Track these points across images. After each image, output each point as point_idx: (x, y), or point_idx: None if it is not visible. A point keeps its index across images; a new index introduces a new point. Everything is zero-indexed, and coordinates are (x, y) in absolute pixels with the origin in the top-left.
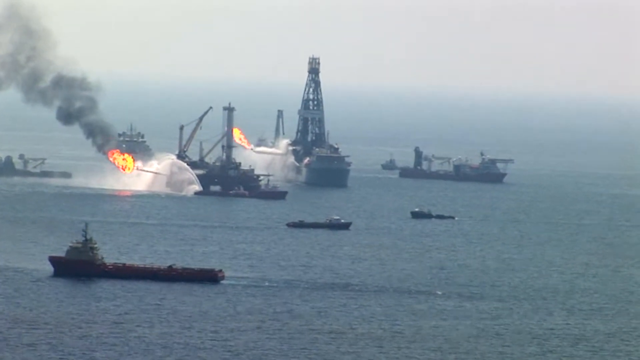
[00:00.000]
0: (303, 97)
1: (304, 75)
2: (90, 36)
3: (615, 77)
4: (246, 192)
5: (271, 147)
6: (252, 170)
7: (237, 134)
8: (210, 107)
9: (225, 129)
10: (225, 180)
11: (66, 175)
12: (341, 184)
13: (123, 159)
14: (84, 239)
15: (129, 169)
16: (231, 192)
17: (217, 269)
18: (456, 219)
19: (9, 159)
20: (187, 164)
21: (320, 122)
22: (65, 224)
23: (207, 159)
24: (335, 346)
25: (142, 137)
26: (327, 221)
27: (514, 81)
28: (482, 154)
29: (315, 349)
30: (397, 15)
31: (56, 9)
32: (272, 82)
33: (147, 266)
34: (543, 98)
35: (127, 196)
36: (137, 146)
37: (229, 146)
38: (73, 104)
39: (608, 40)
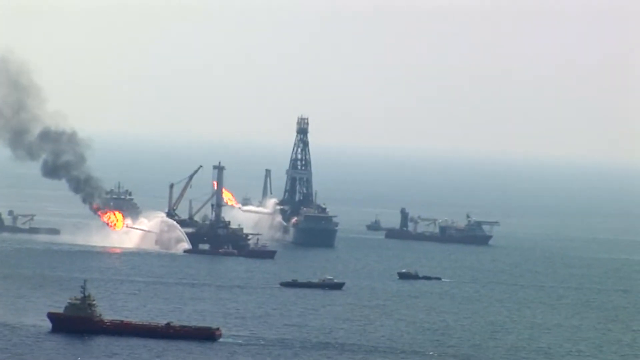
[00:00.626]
0: (291, 156)
1: (292, 135)
2: (79, 93)
3: (602, 140)
4: (235, 251)
5: (257, 206)
6: (241, 229)
7: (224, 193)
8: (201, 166)
9: (214, 187)
10: (214, 238)
11: (54, 231)
12: (328, 244)
13: (112, 216)
14: (82, 295)
15: (118, 226)
16: (220, 250)
17: (214, 327)
18: (443, 280)
19: None
20: (177, 222)
21: (308, 182)
22: (58, 281)
23: (196, 218)
24: None
25: (130, 194)
26: (320, 281)
27: (503, 144)
28: (468, 216)
29: None
30: (383, 74)
31: (45, 65)
32: (260, 141)
33: (144, 323)
34: (529, 162)
35: (117, 253)
36: (124, 204)
37: (218, 205)
38: (60, 158)
39: (597, 104)
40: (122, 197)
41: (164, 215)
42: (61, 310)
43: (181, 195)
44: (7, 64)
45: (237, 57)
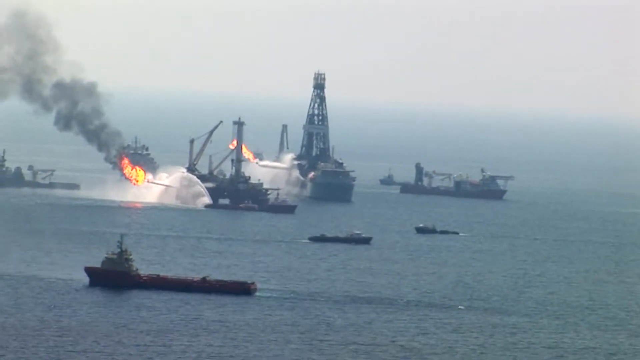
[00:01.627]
0: (308, 112)
1: (308, 90)
2: (97, 49)
3: (617, 95)
4: (255, 206)
5: (273, 161)
6: (261, 184)
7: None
8: (221, 121)
9: (234, 142)
10: (234, 193)
11: (74, 186)
12: (345, 199)
13: (134, 171)
14: (119, 250)
15: (139, 181)
16: (241, 205)
17: (249, 281)
18: (460, 234)
19: (18, 170)
20: (197, 177)
21: (324, 137)
22: (87, 235)
23: (215, 172)
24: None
25: (147, 149)
26: (348, 235)
27: (515, 100)
28: (482, 171)
29: None
30: (402, 31)
31: (63, 19)
32: (275, 96)
33: (181, 278)
34: (544, 117)
35: (139, 208)
36: (141, 159)
37: (238, 160)
38: (75, 109)
39: (608, 56)
40: (139, 152)
41: (184, 170)
42: (98, 265)
43: (201, 150)
44: (23, 17)
45: (254, 13)
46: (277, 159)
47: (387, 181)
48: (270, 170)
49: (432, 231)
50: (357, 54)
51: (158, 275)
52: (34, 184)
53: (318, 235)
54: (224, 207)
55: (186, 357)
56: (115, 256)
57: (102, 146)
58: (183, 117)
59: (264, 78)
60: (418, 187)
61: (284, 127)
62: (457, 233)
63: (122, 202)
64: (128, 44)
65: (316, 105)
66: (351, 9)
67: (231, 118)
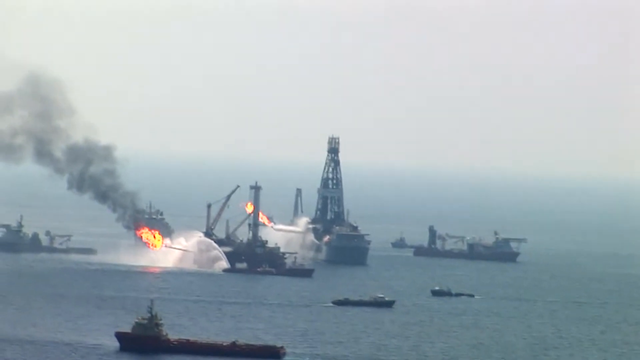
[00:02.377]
0: (322, 175)
1: (320, 155)
2: (111, 111)
3: (616, 156)
4: (273, 270)
5: (288, 225)
6: (278, 248)
7: (250, 209)
8: (238, 186)
9: (247, 209)
10: (252, 257)
11: (91, 251)
12: (361, 262)
13: (152, 236)
14: (149, 314)
15: (157, 245)
16: (259, 269)
17: (278, 345)
18: (476, 297)
19: (35, 235)
20: (215, 242)
21: (339, 200)
22: (108, 301)
23: (232, 237)
24: None
25: (161, 214)
26: (372, 299)
27: (526, 163)
28: (495, 233)
29: None
30: (410, 95)
31: (78, 83)
32: (289, 160)
33: (210, 342)
34: (553, 179)
35: (157, 273)
36: (156, 224)
37: (255, 224)
38: (88, 171)
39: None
40: (154, 216)
41: (201, 234)
42: (128, 330)
43: (219, 214)
44: (38, 81)
45: (267, 76)
46: (292, 223)
47: (399, 244)
48: (285, 234)
49: (448, 294)
50: (370, 116)
51: (188, 340)
52: (51, 249)
53: (342, 298)
54: (242, 271)
55: None
56: (145, 321)
57: (116, 208)
58: (198, 182)
59: (277, 142)
60: (431, 249)
61: (299, 190)
62: (472, 295)
63: (139, 266)
64: (144, 107)
65: (330, 169)
66: (360, 69)
67: (245, 182)
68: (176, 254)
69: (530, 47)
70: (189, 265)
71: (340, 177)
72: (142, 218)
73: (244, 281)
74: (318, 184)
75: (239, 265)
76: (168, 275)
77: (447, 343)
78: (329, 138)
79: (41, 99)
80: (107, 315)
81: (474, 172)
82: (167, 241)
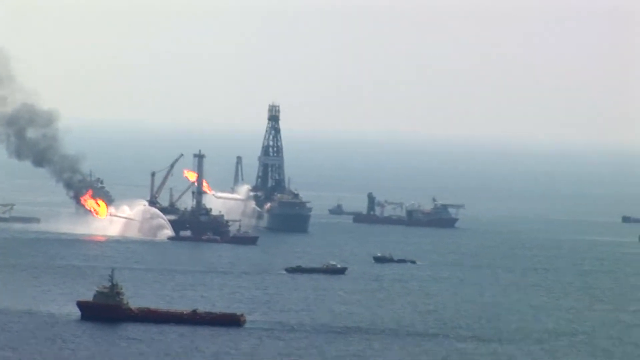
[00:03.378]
0: (263, 143)
1: (262, 122)
2: (56, 84)
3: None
4: (218, 238)
5: (228, 192)
6: (222, 215)
7: (191, 176)
8: (182, 154)
9: (190, 175)
10: (196, 225)
11: (34, 220)
12: (302, 229)
13: (96, 204)
14: (110, 283)
15: (101, 214)
16: (203, 237)
17: (238, 313)
18: (417, 263)
19: None
20: (159, 210)
21: (280, 168)
22: (58, 270)
23: (176, 205)
24: None
25: (102, 182)
26: (324, 266)
27: (465, 127)
28: (434, 200)
29: None
30: (350, 58)
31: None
32: (229, 128)
33: (171, 311)
34: (494, 144)
35: (103, 241)
36: (96, 192)
37: (199, 192)
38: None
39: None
40: (95, 185)
41: (146, 203)
42: (90, 299)
43: (163, 183)
44: None
45: (208, 46)
46: (233, 191)
47: (337, 211)
48: (226, 202)
49: (390, 260)
50: (310, 82)
51: (148, 309)
52: None
53: (294, 266)
54: (187, 239)
55: None
56: (106, 290)
57: (59, 175)
58: (139, 150)
59: (217, 110)
60: (370, 216)
61: (239, 158)
62: (414, 262)
63: (84, 235)
64: (83, 74)
65: (271, 137)
66: (302, 35)
67: (187, 151)
68: (120, 222)
69: None
70: (134, 233)
71: (281, 144)
72: (85, 186)
73: (190, 249)
74: (258, 152)
75: (183, 233)
76: (113, 243)
77: (400, 309)
78: (270, 106)
79: None
80: (63, 285)
81: (412, 138)
82: (112, 210)
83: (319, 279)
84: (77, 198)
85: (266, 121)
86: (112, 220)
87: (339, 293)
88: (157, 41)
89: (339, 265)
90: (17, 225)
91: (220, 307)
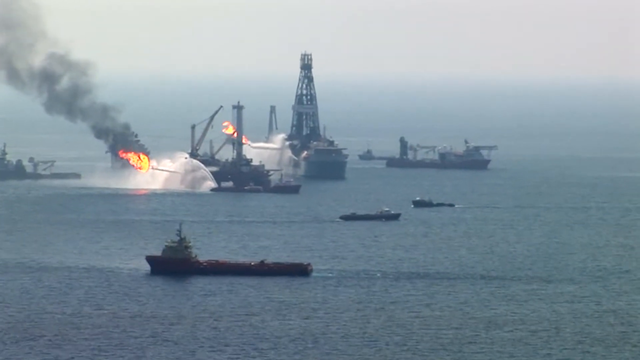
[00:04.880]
0: (296, 92)
1: (292, 70)
2: (89, 33)
3: (601, 58)
4: (260, 187)
5: (263, 142)
6: (263, 165)
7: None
8: (221, 106)
9: (228, 129)
10: (237, 176)
11: (75, 176)
12: (340, 176)
13: (138, 159)
14: (178, 237)
15: (144, 168)
16: (246, 187)
17: (305, 262)
18: (456, 206)
19: (19, 163)
20: (200, 162)
21: (314, 116)
22: (112, 224)
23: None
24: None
25: (136, 136)
26: (379, 212)
27: (495, 67)
28: (466, 142)
29: (426, 337)
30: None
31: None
32: (261, 77)
33: (239, 262)
34: (522, 83)
35: (147, 195)
36: (132, 146)
37: (239, 143)
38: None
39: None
40: (129, 138)
41: (187, 155)
42: (159, 253)
43: (203, 135)
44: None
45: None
46: (267, 140)
47: (367, 156)
48: (262, 152)
49: (429, 204)
50: (339, 28)
51: (217, 261)
52: (36, 176)
53: (349, 213)
54: (229, 190)
55: (266, 338)
56: (175, 244)
57: (99, 130)
58: (177, 103)
59: (248, 60)
60: (403, 160)
61: (272, 108)
62: (452, 205)
63: (128, 189)
64: (115, 23)
65: (304, 85)
66: None
67: (221, 102)
68: (163, 175)
69: None
70: (177, 186)
71: (315, 93)
72: (124, 140)
73: (236, 200)
74: (292, 101)
75: (225, 184)
76: (158, 197)
77: (458, 253)
78: (302, 55)
79: (14, 24)
80: (123, 240)
81: (444, 80)
82: (154, 163)
83: (375, 225)
84: (113, 151)
85: (299, 70)
86: (154, 174)
87: (398, 239)
88: None
89: (392, 212)
90: (58, 182)
91: (283, 257)
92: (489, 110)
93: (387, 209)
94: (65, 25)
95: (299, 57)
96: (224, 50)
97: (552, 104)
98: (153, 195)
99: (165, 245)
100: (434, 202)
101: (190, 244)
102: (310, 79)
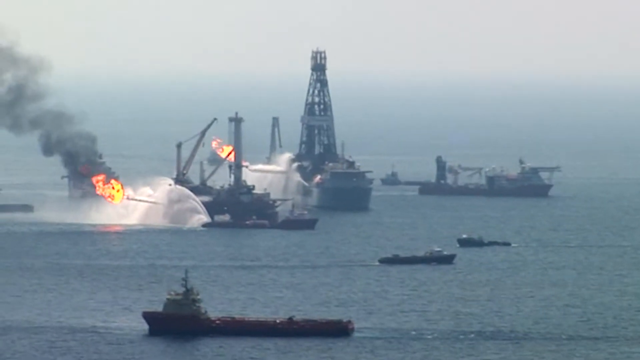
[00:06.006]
0: (306, 100)
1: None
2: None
3: None
4: (266, 222)
5: (264, 163)
6: (268, 194)
7: (226, 149)
8: (215, 119)
9: (217, 142)
10: (236, 207)
11: (27, 208)
12: (363, 207)
13: (109, 186)
14: (184, 289)
15: (116, 198)
16: (247, 222)
17: (345, 319)
18: (513, 245)
19: None
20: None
21: (329, 130)
22: (85, 269)
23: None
24: None
25: (101, 157)
26: (427, 254)
27: (550, 64)
28: (521, 162)
29: None
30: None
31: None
32: (260, 81)
33: (261, 320)
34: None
35: (122, 232)
36: (96, 169)
37: (237, 166)
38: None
39: None
40: (93, 159)
41: (172, 182)
42: (158, 309)
43: (192, 156)
44: None
45: None
46: (269, 161)
47: (391, 180)
48: (264, 176)
49: (479, 243)
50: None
51: (233, 318)
52: None
53: (390, 256)
54: (226, 225)
55: None
56: (180, 297)
57: (54, 147)
58: (151, 110)
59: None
60: (441, 186)
61: (275, 120)
62: (508, 244)
63: (96, 225)
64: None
65: (316, 91)
66: None
67: (213, 111)
68: (141, 207)
69: None
70: (159, 221)
71: (329, 100)
72: (92, 161)
73: (237, 238)
74: (301, 111)
75: (219, 218)
76: (138, 234)
77: (532, 306)
78: (313, 52)
79: None
80: (102, 290)
81: (489, 82)
82: (129, 192)
83: (424, 271)
84: (74, 176)
85: (309, 72)
86: (129, 206)
87: (454, 287)
88: None
89: (445, 252)
90: (5, 216)
91: (312, 312)
92: (549, 120)
93: (438, 249)
94: (12, 11)
95: (310, 55)
96: (211, 46)
97: (627, 111)
98: (130, 233)
99: (168, 299)
100: (485, 241)
101: (198, 297)
102: (323, 83)
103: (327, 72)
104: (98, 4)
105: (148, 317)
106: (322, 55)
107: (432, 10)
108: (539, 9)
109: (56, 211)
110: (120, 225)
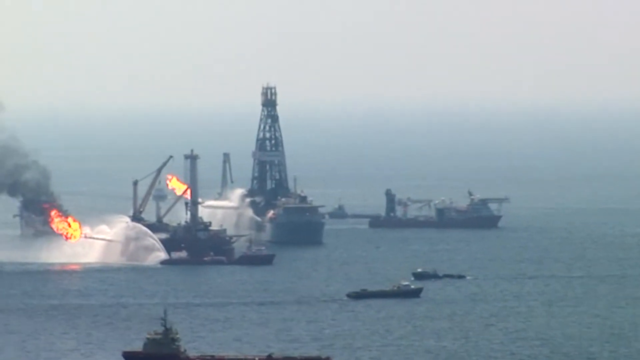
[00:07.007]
0: (257, 135)
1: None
2: None
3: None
4: (223, 258)
5: (216, 199)
6: (224, 230)
7: (176, 184)
8: (171, 157)
9: (173, 183)
10: (193, 244)
11: None
12: (316, 241)
13: (66, 224)
14: (164, 328)
15: (75, 236)
16: (205, 258)
17: (323, 356)
18: (468, 278)
19: None
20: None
21: (280, 165)
22: (50, 312)
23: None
24: None
25: (52, 193)
26: (395, 288)
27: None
28: (470, 194)
29: None
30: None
31: None
32: (210, 116)
33: (240, 358)
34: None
35: (81, 270)
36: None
37: (194, 203)
38: None
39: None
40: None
41: (128, 219)
42: (139, 348)
43: (148, 193)
44: None
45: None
46: (221, 197)
47: (338, 214)
48: (215, 211)
49: (434, 276)
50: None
51: (212, 357)
52: None
53: (358, 290)
54: (183, 262)
55: None
56: (159, 336)
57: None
58: (100, 147)
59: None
60: (391, 219)
61: (226, 156)
62: (463, 277)
63: (53, 264)
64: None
65: (267, 127)
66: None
67: (160, 147)
68: (98, 245)
69: None
70: (116, 258)
71: (281, 136)
72: (50, 199)
73: (196, 275)
74: (252, 146)
75: (177, 255)
76: (96, 273)
77: (504, 339)
78: (263, 88)
79: None
80: (71, 330)
81: (438, 110)
82: (86, 230)
83: (393, 305)
84: (27, 213)
85: (260, 107)
86: (86, 244)
87: (424, 322)
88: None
89: (412, 286)
90: None
91: (289, 349)
92: (494, 147)
93: (405, 283)
94: None
95: (260, 90)
96: (161, 80)
97: (577, 136)
98: (88, 271)
99: (147, 338)
100: (440, 274)
101: (178, 336)
102: (274, 119)
103: (277, 107)
104: (53, 40)
105: (128, 356)
106: (273, 90)
107: (383, 37)
108: (481, 34)
109: (6, 250)
110: (79, 263)
